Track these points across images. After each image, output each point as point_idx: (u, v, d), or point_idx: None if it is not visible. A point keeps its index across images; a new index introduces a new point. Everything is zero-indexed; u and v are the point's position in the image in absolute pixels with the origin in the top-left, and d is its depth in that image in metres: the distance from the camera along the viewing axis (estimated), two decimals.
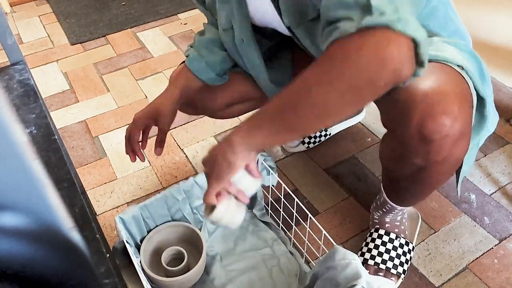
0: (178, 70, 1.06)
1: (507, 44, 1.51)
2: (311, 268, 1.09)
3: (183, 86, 1.03)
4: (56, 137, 0.77)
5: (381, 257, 1.06)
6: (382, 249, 1.06)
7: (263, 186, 1.17)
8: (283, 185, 1.06)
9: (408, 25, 0.57)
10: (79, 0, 2.30)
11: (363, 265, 0.89)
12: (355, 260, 0.87)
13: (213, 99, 1.09)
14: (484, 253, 1.14)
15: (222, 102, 1.10)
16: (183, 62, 1.06)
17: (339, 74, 0.59)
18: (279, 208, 1.14)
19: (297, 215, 1.06)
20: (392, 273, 1.05)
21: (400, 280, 1.06)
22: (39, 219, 0.26)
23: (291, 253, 1.12)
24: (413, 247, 1.11)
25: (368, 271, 0.99)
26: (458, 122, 0.72)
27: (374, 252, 1.06)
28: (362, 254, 1.08)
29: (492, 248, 1.15)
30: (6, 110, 0.23)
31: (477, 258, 1.13)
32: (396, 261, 1.06)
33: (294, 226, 1.10)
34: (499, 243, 1.16)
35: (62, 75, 1.82)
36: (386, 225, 1.09)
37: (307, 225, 1.03)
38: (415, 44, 0.58)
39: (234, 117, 1.19)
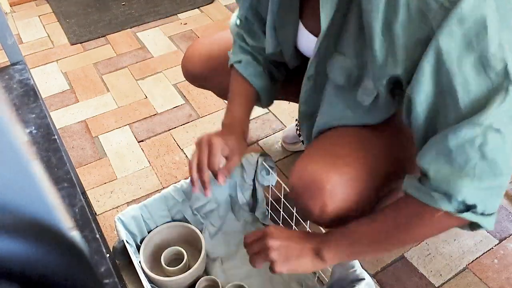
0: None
1: None
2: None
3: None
4: (56, 137, 0.77)
5: None
6: None
7: (263, 186, 1.17)
8: (283, 185, 1.06)
9: (488, 222, 0.66)
10: (79, 0, 2.30)
11: None
12: (356, 266, 0.86)
13: None
14: (484, 253, 1.14)
15: None
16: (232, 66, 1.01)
17: (413, 236, 0.72)
18: (279, 208, 1.14)
19: (297, 215, 1.06)
20: None
21: None
22: (39, 219, 0.26)
23: None
24: None
25: None
26: (331, 203, 0.77)
27: None
28: None
29: (492, 248, 1.15)
30: (6, 110, 0.23)
31: (477, 258, 1.13)
32: None
33: (294, 226, 1.09)
34: (499, 243, 1.16)
35: (62, 75, 1.82)
36: None
37: (307, 225, 1.03)
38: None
39: None
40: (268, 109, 1.58)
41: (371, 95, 0.73)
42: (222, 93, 1.16)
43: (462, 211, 0.64)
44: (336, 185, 0.76)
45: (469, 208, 0.64)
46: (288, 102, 1.56)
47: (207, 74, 1.12)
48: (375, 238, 0.74)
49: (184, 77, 1.19)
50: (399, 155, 0.81)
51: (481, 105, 0.58)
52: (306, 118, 0.93)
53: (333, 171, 0.76)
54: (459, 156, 0.61)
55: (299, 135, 1.39)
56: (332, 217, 0.78)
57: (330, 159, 0.79)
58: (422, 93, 0.62)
